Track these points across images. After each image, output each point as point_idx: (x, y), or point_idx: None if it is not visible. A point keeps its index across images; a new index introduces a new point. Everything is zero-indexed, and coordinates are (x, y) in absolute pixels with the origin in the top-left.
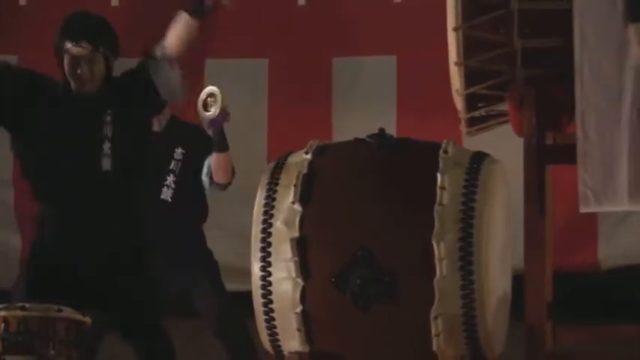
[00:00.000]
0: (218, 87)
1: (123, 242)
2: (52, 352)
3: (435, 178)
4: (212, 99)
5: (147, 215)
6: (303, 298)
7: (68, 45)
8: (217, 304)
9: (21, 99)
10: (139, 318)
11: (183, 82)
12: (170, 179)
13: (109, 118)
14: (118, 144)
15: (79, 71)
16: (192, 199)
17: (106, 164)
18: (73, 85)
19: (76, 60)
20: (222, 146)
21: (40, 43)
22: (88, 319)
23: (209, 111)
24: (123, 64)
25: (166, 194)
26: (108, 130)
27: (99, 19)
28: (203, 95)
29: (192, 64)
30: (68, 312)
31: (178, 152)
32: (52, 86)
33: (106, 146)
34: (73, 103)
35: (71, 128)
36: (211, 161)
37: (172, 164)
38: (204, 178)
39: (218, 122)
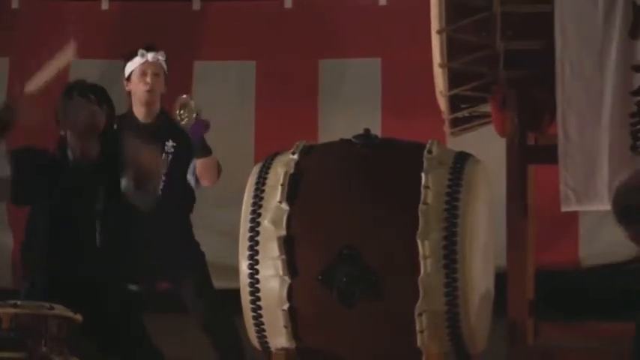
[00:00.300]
0: (206, 89)
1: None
2: (44, 348)
3: (420, 177)
4: (183, 111)
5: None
6: (290, 296)
7: None
8: (205, 301)
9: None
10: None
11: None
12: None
13: None
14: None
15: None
16: (182, 191)
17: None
18: None
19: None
20: (204, 152)
21: (31, 46)
22: (79, 317)
23: (183, 121)
24: (112, 67)
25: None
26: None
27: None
28: (176, 106)
29: (181, 66)
30: (60, 309)
31: (169, 145)
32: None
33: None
34: None
35: None
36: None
37: (163, 157)
38: (190, 177)
39: (195, 131)
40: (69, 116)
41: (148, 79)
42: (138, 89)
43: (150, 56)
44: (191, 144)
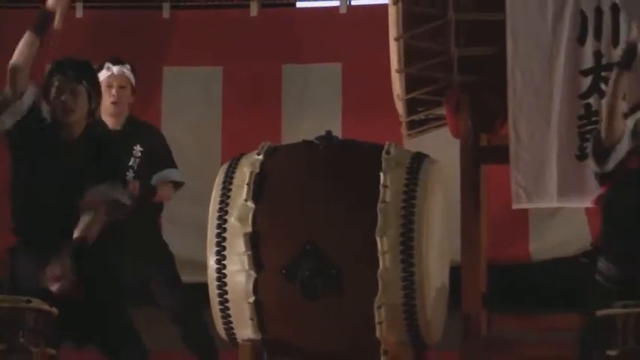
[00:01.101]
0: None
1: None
2: (22, 340)
3: (378, 177)
4: None
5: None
6: (255, 289)
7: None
8: (175, 296)
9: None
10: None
11: None
12: (130, 175)
13: None
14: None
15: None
16: (150, 194)
17: None
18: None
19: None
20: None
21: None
22: (54, 310)
23: None
24: None
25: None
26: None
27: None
28: None
29: (151, 72)
30: (36, 303)
31: (137, 150)
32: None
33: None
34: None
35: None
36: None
37: (132, 161)
38: (153, 182)
39: None
40: (52, 94)
41: (114, 92)
42: (105, 101)
43: (115, 69)
44: (159, 145)
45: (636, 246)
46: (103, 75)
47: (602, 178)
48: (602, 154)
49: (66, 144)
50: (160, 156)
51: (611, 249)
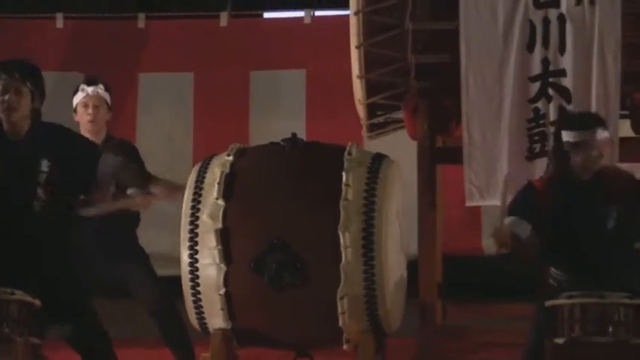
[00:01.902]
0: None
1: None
2: (6, 330)
3: (341, 176)
4: None
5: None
6: (226, 282)
7: None
8: (151, 289)
9: None
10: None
11: None
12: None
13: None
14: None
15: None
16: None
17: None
18: None
19: None
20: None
21: None
22: (37, 302)
23: None
24: (65, 78)
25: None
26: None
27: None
28: None
29: (128, 78)
30: (19, 294)
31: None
32: None
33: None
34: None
35: None
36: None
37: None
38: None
39: None
40: None
41: (90, 111)
42: (82, 120)
43: (90, 90)
44: (133, 159)
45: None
46: (79, 96)
47: None
48: None
49: (12, 141)
50: (136, 164)
51: (556, 257)
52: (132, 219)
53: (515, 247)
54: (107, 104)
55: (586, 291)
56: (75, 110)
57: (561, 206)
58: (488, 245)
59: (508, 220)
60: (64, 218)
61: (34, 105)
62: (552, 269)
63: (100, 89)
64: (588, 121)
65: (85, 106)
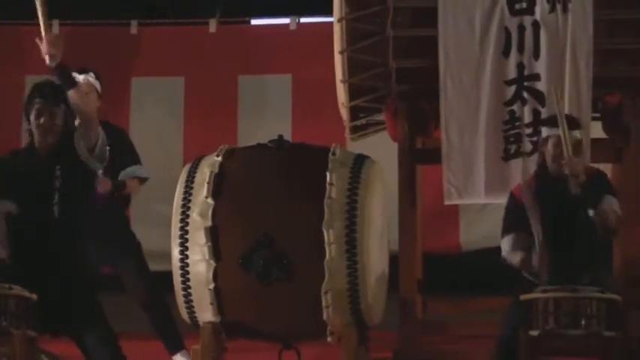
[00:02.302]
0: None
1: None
2: (5, 323)
3: (325, 176)
4: None
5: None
6: (215, 277)
7: None
8: (143, 283)
9: None
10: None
11: None
12: (100, 173)
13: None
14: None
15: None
16: (119, 188)
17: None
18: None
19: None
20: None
21: None
22: (34, 296)
23: None
24: None
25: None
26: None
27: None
28: None
29: (121, 81)
30: (17, 290)
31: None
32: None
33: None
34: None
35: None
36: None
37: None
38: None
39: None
40: (32, 116)
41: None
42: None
43: (81, 78)
44: (126, 150)
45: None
46: None
47: None
48: None
49: (41, 157)
50: (126, 154)
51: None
52: (122, 201)
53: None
54: (97, 91)
55: (560, 285)
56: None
57: (539, 202)
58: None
59: (506, 240)
60: (77, 218)
61: (67, 124)
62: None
63: (91, 77)
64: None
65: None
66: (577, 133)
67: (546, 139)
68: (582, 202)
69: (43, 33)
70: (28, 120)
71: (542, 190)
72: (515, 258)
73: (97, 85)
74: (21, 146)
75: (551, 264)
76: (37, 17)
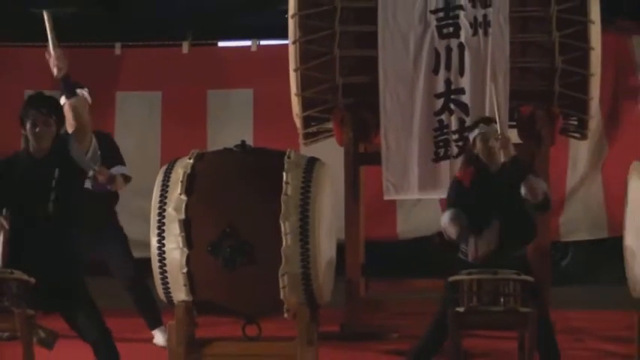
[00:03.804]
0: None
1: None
2: (7, 303)
3: (282, 175)
4: None
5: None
6: (187, 262)
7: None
8: (128, 268)
9: None
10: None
11: None
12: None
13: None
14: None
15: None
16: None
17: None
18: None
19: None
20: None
21: None
22: (32, 280)
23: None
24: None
25: (88, 185)
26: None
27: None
28: None
29: (107, 96)
30: (17, 274)
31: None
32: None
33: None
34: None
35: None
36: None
37: (91, 173)
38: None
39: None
40: (27, 125)
41: None
42: (68, 117)
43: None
44: (113, 154)
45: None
46: (64, 98)
47: None
48: None
49: (37, 158)
50: (112, 156)
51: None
52: (110, 196)
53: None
54: (88, 105)
55: (484, 268)
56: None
57: (476, 192)
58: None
59: (447, 213)
60: (69, 214)
61: (57, 131)
62: (462, 245)
63: (85, 92)
64: (487, 120)
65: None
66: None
67: (474, 139)
68: (509, 187)
69: (51, 49)
70: (24, 128)
71: (476, 178)
72: (452, 230)
73: (89, 98)
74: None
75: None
76: (45, 37)
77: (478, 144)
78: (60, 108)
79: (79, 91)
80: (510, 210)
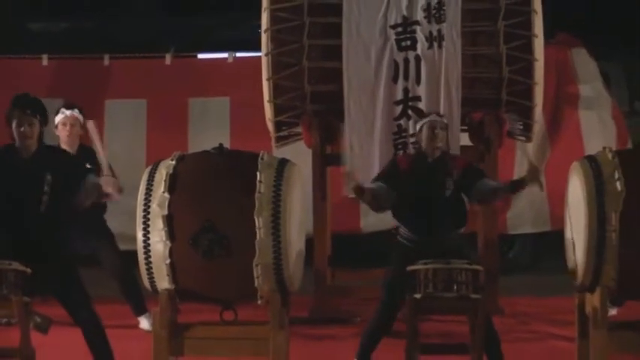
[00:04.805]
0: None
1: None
2: (5, 291)
3: (256, 175)
4: None
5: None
6: (170, 254)
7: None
8: (115, 259)
9: None
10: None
11: None
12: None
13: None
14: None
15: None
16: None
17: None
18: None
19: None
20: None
21: None
22: (28, 270)
23: None
24: (49, 103)
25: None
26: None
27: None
28: None
29: (96, 103)
30: (15, 265)
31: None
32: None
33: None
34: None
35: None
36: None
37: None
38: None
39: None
40: (13, 125)
41: (67, 128)
42: (62, 134)
43: (68, 113)
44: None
45: (422, 219)
46: (59, 117)
47: None
48: None
49: (24, 158)
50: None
51: (407, 220)
52: (101, 207)
53: (366, 197)
54: (80, 123)
55: (432, 254)
56: (56, 127)
57: (406, 178)
58: (348, 189)
59: (370, 183)
60: (60, 215)
61: (40, 130)
62: (402, 229)
63: (75, 112)
64: (433, 114)
65: (64, 124)
66: (443, 120)
67: (421, 127)
68: (443, 176)
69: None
70: (10, 127)
71: (414, 163)
72: (377, 187)
73: (81, 118)
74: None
75: (417, 225)
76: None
77: (424, 130)
78: (44, 109)
79: (68, 112)
80: (441, 197)
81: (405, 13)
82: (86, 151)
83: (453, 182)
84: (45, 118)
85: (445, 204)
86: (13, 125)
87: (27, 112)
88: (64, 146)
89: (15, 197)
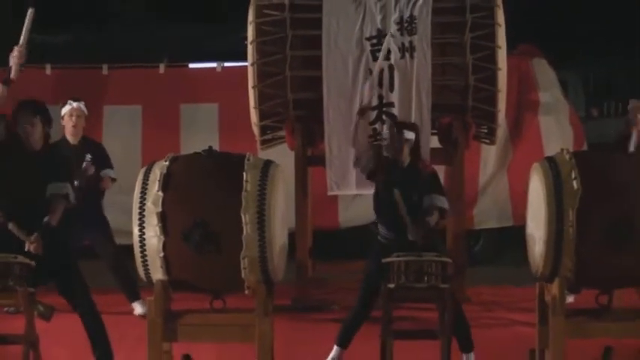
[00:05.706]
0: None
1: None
2: (11, 283)
3: (242, 175)
4: None
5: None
6: (164, 248)
7: None
8: (112, 252)
9: None
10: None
11: None
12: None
13: None
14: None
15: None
16: (97, 185)
17: None
18: None
19: None
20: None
21: None
22: (32, 263)
23: None
24: (52, 110)
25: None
26: None
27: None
28: None
29: (96, 109)
30: (20, 258)
31: (88, 157)
32: None
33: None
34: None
35: None
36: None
37: (84, 164)
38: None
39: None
40: (19, 125)
41: (74, 119)
42: (67, 125)
43: (75, 104)
44: (103, 157)
45: (397, 219)
46: (66, 108)
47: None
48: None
49: (29, 154)
50: (102, 160)
51: (385, 221)
52: (98, 193)
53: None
54: (85, 115)
55: (407, 251)
56: (62, 118)
57: (388, 183)
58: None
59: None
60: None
61: (44, 129)
62: (381, 229)
63: (82, 105)
64: (401, 126)
65: (70, 115)
66: (411, 135)
67: (390, 136)
68: (411, 184)
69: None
70: (16, 127)
71: (390, 177)
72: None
73: (85, 110)
74: None
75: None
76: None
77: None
78: (45, 110)
79: (75, 104)
80: (413, 201)
81: (379, 26)
82: (89, 143)
83: (419, 187)
84: (46, 118)
85: (415, 208)
86: (19, 125)
87: (27, 113)
88: (68, 136)
89: (12, 190)
